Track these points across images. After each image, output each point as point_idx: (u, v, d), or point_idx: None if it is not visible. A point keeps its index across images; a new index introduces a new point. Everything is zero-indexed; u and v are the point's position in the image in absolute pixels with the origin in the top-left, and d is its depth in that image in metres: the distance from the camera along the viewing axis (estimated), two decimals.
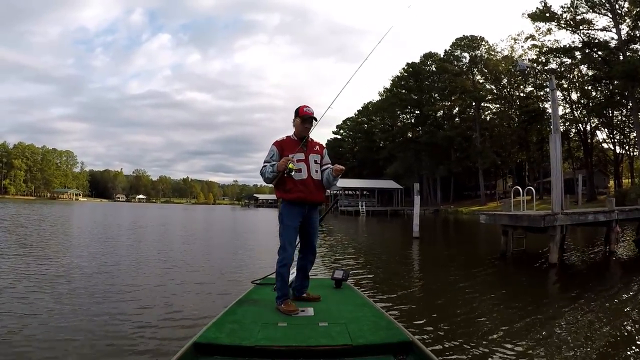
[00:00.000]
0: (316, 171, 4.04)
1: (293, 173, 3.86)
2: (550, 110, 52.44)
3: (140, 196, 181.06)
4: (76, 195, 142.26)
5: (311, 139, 4.16)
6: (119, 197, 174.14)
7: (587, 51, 42.02)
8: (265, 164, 3.96)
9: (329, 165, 4.15)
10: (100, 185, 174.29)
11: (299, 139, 4.07)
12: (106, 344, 4.36)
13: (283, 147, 4.02)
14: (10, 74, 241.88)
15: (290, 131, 4.18)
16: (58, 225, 21.63)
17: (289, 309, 3.65)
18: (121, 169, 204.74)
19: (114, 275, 8.15)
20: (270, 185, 4.13)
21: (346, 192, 61.26)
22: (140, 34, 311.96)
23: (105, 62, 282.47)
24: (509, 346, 4.55)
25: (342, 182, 57.20)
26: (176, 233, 19.98)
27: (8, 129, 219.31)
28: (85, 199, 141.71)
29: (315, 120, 4.12)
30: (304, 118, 4.04)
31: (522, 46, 51.98)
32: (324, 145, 4.27)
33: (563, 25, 42.98)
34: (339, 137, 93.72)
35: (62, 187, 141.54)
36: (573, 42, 43.06)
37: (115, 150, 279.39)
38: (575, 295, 7.02)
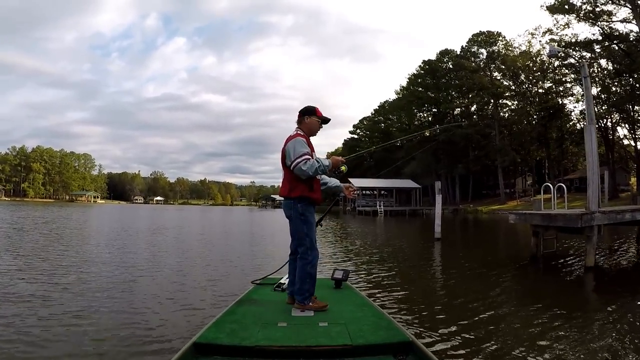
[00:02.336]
0: None
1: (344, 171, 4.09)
2: (570, 106, 51.78)
3: (158, 198, 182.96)
4: (94, 197, 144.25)
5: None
6: (136, 199, 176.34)
7: (607, 44, 41.08)
8: (307, 156, 3.73)
9: None
10: (118, 188, 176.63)
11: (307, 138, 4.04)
12: (105, 343, 4.30)
13: (309, 143, 3.96)
14: (27, 80, 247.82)
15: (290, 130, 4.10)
16: (64, 229, 21.58)
17: (320, 305, 3.71)
18: (139, 171, 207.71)
19: (114, 274, 8.12)
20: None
21: (364, 192, 60.83)
22: (155, 38, 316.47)
23: (121, 66, 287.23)
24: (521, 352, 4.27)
25: (359, 182, 56.81)
26: (191, 234, 19.82)
27: (26, 133, 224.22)
28: (104, 202, 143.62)
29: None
30: (325, 121, 4.11)
31: (539, 41, 51.20)
32: None
33: (582, 17, 42.07)
34: (355, 137, 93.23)
35: (80, 190, 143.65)
36: (593, 34, 42.28)
37: (132, 152, 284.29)
38: (619, 304, 6.37)
